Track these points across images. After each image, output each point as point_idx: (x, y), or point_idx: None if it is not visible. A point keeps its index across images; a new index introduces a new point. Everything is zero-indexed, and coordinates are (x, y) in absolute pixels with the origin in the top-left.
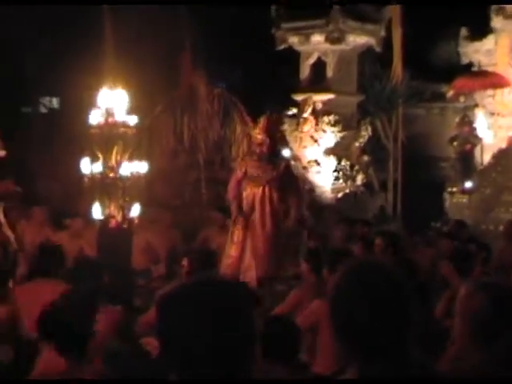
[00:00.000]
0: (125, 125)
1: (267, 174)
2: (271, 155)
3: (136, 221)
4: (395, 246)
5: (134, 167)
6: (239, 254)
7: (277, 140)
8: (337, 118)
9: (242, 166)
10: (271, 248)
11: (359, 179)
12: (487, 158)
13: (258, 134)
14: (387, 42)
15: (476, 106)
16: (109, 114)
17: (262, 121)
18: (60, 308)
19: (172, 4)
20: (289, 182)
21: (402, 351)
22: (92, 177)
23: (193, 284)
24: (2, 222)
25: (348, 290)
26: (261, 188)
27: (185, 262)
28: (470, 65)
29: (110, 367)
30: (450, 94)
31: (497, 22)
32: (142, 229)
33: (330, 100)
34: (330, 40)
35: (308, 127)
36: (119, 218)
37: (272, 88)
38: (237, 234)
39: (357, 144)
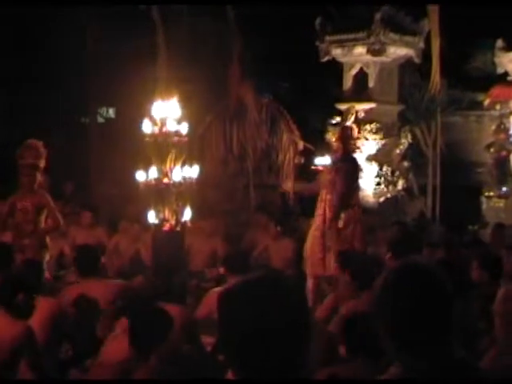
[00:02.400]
0: (177, 134)
1: (326, 178)
2: (339, 161)
3: (188, 224)
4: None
5: (187, 173)
6: (323, 253)
7: (349, 147)
8: (378, 126)
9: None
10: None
11: (400, 184)
12: None
13: (335, 142)
14: (426, 54)
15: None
16: (163, 123)
17: (339, 130)
18: None
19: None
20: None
21: (446, 350)
22: (147, 182)
23: (253, 280)
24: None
25: (393, 290)
26: (324, 191)
27: (221, 269)
28: (506, 74)
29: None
30: (487, 102)
31: None
32: (199, 233)
33: (371, 109)
34: (372, 52)
35: None
36: (173, 221)
37: (316, 98)
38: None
39: (397, 151)
